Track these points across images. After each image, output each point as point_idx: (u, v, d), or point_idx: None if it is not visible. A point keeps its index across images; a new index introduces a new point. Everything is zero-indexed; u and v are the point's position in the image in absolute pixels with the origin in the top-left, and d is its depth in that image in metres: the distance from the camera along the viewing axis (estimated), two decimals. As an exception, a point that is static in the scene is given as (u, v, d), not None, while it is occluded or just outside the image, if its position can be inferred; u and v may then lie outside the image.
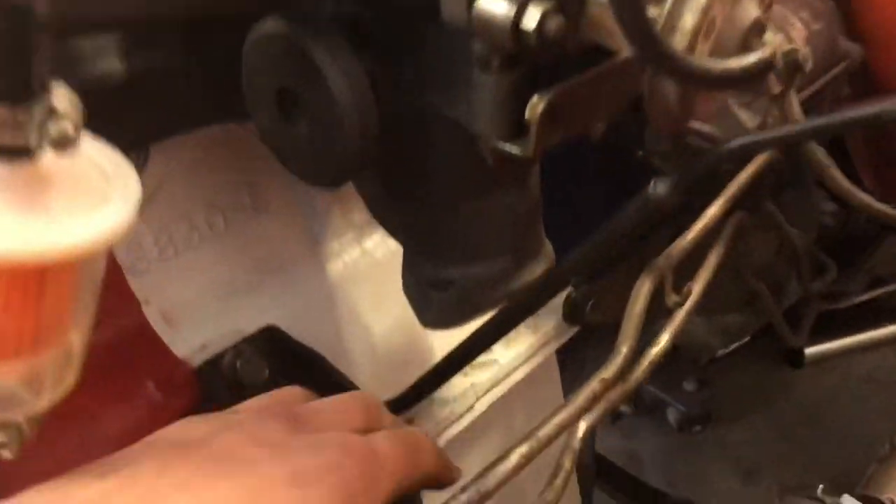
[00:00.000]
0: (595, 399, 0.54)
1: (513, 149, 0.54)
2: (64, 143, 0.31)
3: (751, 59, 0.45)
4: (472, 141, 0.56)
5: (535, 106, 0.52)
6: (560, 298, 0.89)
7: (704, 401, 1.97)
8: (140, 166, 0.72)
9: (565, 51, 0.50)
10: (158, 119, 0.66)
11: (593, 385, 0.54)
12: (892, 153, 1.11)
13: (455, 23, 0.49)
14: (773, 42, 0.47)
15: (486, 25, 0.47)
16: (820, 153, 0.71)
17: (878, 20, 0.98)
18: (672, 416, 1.75)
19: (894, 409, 2.15)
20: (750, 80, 0.44)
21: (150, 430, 0.72)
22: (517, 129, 0.53)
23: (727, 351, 1.71)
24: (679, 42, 0.42)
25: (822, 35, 0.85)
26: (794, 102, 0.61)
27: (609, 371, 0.56)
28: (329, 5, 0.59)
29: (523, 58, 0.52)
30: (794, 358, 1.97)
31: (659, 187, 0.42)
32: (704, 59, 0.41)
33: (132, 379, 0.71)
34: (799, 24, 0.86)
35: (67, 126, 0.31)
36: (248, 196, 0.79)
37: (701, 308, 0.75)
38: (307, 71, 0.54)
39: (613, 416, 1.78)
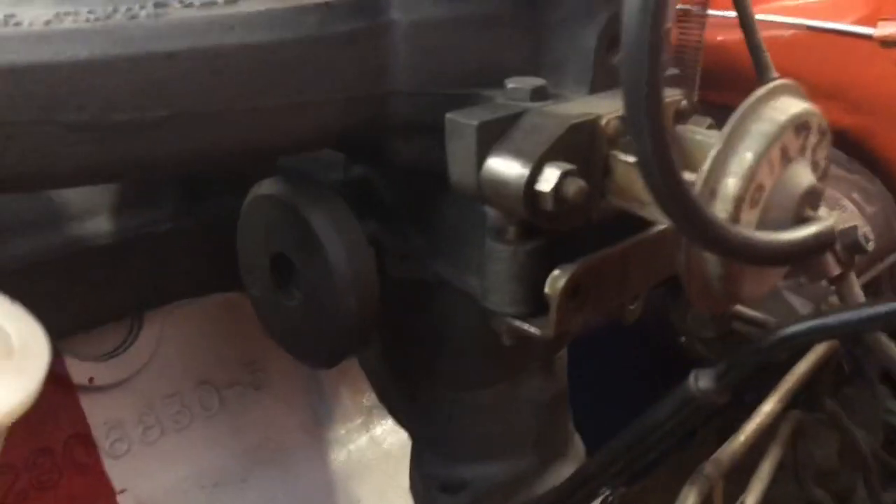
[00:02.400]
0: None
1: (531, 328, 0.46)
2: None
3: (807, 232, 0.39)
4: (486, 318, 0.50)
5: (556, 280, 0.45)
6: None
7: None
8: (132, 336, 0.66)
9: (589, 219, 0.44)
10: (153, 285, 0.61)
11: None
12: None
13: (463, 188, 0.43)
14: (829, 216, 0.41)
15: (498, 189, 0.42)
16: (885, 343, 0.62)
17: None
18: None
19: None
20: (805, 258, 0.38)
21: None
22: (536, 305, 0.47)
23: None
24: (720, 210, 0.36)
25: (878, 217, 0.79)
26: (856, 285, 0.54)
27: None
28: (339, 169, 0.55)
29: (542, 226, 0.46)
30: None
31: (702, 380, 0.35)
32: (751, 232, 0.35)
33: (93, 582, 0.62)
34: (851, 206, 0.80)
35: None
36: (248, 372, 0.73)
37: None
38: (304, 237, 0.48)
39: None
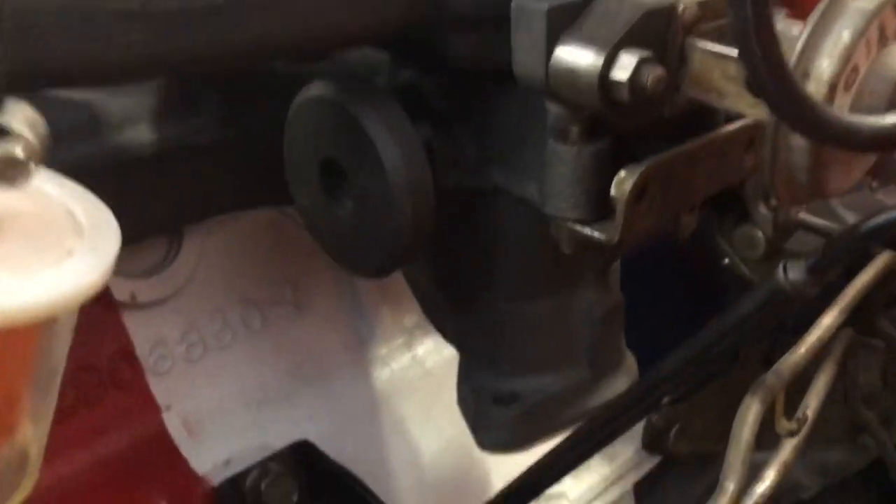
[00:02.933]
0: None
1: (594, 233, 0.45)
2: (12, 172, 0.23)
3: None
4: (544, 226, 0.48)
5: (624, 181, 0.43)
6: (639, 423, 0.78)
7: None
8: (172, 253, 0.65)
9: (661, 112, 0.42)
10: (195, 198, 0.59)
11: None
12: None
13: (529, 80, 0.41)
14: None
15: (569, 80, 0.39)
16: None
17: None
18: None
19: None
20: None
21: (156, 560, 0.63)
22: (600, 209, 0.45)
23: (811, 494, 1.53)
24: (814, 93, 0.34)
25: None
26: None
27: (715, 513, 0.44)
28: (384, 74, 0.52)
29: (607, 125, 0.44)
30: (889, 505, 1.77)
31: (792, 271, 0.33)
32: (854, 116, 0.32)
33: (143, 497, 0.62)
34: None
35: (15, 149, 0.23)
36: (289, 292, 0.71)
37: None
38: (357, 141, 0.46)
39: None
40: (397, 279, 0.76)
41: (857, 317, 0.73)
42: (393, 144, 0.46)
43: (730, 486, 0.47)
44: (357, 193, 0.48)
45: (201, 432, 0.65)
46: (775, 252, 0.86)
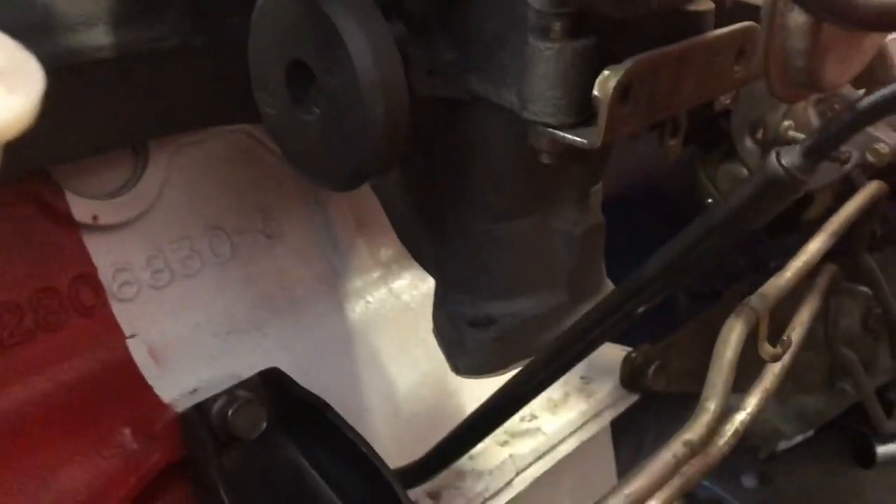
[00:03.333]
0: (676, 466, 0.41)
1: (577, 138, 0.42)
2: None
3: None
4: (524, 138, 0.46)
5: (607, 80, 0.41)
6: (618, 360, 0.76)
7: (766, 500, 1.78)
8: (136, 174, 0.62)
9: (650, 7, 0.40)
10: (158, 110, 0.56)
11: (674, 448, 0.41)
12: None
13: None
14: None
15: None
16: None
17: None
18: (730, 516, 1.56)
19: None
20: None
21: (121, 488, 0.61)
22: (582, 113, 0.42)
23: (790, 445, 1.54)
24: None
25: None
26: None
27: (695, 431, 0.43)
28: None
29: (592, 22, 0.41)
30: (864, 456, 1.78)
31: (786, 157, 0.31)
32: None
33: (106, 425, 0.60)
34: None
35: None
36: (260, 220, 0.69)
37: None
38: (326, 39, 0.44)
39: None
40: (373, 211, 0.74)
41: (842, 253, 0.72)
42: (364, 42, 0.43)
43: (711, 405, 0.45)
44: (326, 97, 0.46)
45: (168, 360, 0.63)
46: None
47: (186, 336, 0.64)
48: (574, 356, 0.46)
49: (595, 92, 0.41)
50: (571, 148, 0.43)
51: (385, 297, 0.72)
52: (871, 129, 0.69)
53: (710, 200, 0.89)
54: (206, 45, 0.54)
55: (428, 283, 0.74)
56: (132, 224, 0.62)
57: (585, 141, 0.42)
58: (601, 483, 0.78)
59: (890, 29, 0.32)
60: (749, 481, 1.59)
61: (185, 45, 0.53)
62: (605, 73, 0.41)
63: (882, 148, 0.67)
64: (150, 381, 0.61)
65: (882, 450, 1.74)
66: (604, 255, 0.58)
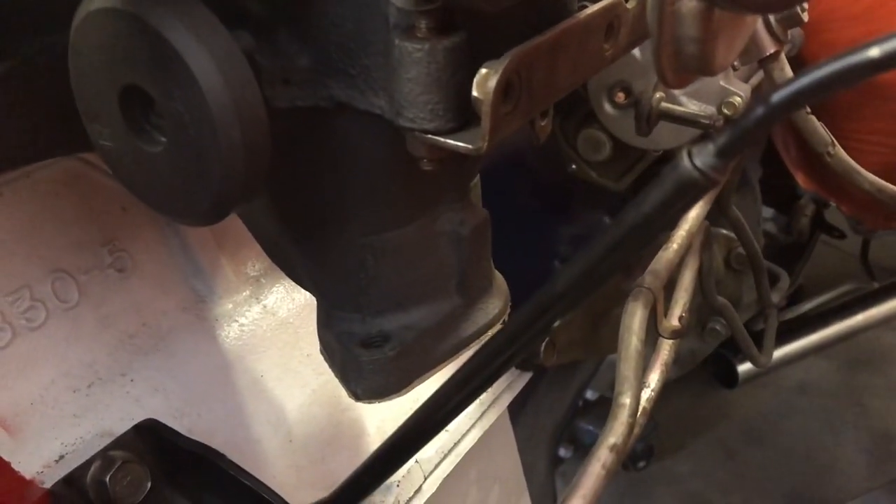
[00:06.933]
0: (607, 476, 0.39)
1: (459, 143, 0.39)
2: None
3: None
4: (398, 143, 0.42)
5: (486, 79, 0.37)
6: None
7: (646, 435, 1.87)
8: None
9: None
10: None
11: (602, 458, 0.39)
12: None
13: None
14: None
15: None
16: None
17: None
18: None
19: (829, 418, 2.12)
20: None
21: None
22: (462, 114, 0.39)
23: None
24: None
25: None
26: (786, 63, 0.51)
27: (616, 432, 0.41)
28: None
29: (459, 17, 0.38)
30: (728, 377, 1.91)
31: (699, 157, 0.29)
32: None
33: (-41, 515, 0.52)
34: None
35: None
36: (107, 254, 0.62)
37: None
38: (161, 59, 0.38)
39: (555, 460, 1.65)
40: (233, 223, 0.68)
41: (717, 205, 0.73)
42: (208, 58, 0.37)
43: (626, 399, 0.44)
44: (171, 124, 0.40)
45: (23, 429, 0.56)
46: (621, 153, 0.84)
47: (41, 397, 0.57)
48: (487, 378, 0.43)
49: (474, 93, 0.38)
50: (454, 151, 0.40)
51: (259, 317, 0.67)
52: (723, 83, 0.70)
53: (573, 166, 0.89)
54: (15, 70, 0.46)
55: (304, 293, 0.69)
56: (-44, 282, 0.54)
57: (470, 146, 0.39)
58: (505, 465, 0.77)
59: (783, 8, 0.30)
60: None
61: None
62: (483, 71, 0.38)
63: (736, 101, 0.68)
64: (6, 456, 0.54)
65: (743, 369, 1.88)
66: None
